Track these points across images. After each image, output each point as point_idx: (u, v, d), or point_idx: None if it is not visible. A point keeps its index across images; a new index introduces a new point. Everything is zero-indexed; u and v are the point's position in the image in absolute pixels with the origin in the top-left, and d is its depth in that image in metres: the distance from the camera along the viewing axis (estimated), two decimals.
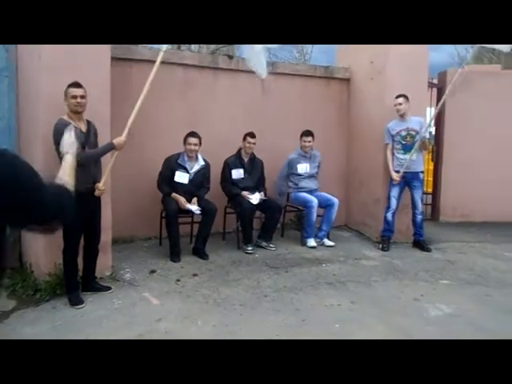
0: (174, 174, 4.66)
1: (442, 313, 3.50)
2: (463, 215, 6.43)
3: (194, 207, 4.58)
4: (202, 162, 4.78)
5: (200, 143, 4.68)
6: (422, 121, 5.16)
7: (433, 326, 3.25)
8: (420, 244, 5.23)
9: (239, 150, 5.17)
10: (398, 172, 5.06)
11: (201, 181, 4.78)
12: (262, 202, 5.00)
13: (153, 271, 4.23)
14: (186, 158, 4.70)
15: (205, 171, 4.82)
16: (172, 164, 4.69)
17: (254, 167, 5.22)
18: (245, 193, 4.99)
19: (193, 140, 4.62)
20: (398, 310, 3.54)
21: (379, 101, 5.43)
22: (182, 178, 4.67)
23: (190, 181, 4.69)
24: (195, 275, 4.17)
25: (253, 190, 5.09)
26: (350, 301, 3.68)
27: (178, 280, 4.03)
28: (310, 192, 5.35)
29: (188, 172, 4.70)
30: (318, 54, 19.95)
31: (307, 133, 5.36)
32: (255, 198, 4.96)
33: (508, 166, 6.42)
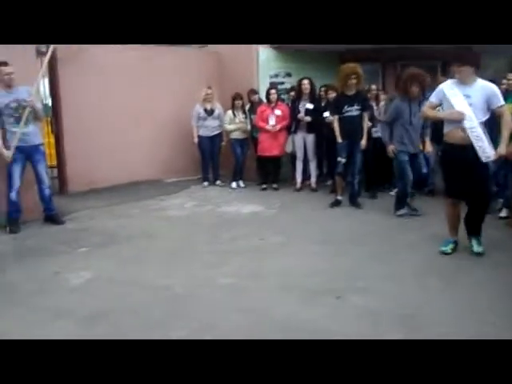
0: None
1: (83, 279, 3.63)
2: (91, 183, 6.62)
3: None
4: None
5: None
6: (30, 89, 4.87)
7: (75, 294, 3.36)
8: (52, 218, 5.13)
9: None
10: (9, 148, 4.72)
11: None
12: None
13: None
14: None
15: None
16: None
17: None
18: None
19: None
20: (38, 289, 3.44)
21: None
22: None
23: None
24: None
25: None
26: None
27: None
28: None
29: None
30: None
31: None
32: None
33: (124, 132, 6.99)
